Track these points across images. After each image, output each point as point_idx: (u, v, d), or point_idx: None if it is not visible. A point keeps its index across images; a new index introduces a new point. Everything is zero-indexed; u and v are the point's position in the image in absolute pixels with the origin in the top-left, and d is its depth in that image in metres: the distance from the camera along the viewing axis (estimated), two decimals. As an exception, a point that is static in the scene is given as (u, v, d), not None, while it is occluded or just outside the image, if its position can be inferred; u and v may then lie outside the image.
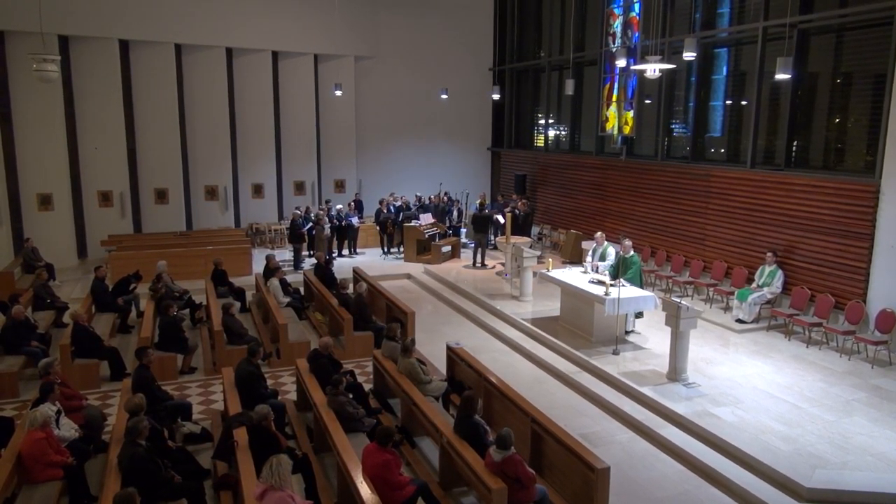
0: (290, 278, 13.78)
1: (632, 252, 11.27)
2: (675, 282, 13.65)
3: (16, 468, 6.26)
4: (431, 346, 10.90)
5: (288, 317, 11.25)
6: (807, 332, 10.90)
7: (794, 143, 12.27)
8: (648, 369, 9.63)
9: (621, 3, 16.32)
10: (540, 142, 20.75)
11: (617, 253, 11.64)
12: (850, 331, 10.25)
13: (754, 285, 11.86)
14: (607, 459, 6.19)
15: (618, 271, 11.05)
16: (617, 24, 16.48)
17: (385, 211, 17.99)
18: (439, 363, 9.91)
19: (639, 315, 11.16)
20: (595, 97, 17.33)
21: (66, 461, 6.47)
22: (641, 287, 10.96)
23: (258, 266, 15.36)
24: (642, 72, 11.60)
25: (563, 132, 19.77)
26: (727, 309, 12.32)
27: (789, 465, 7.03)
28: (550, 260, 12.68)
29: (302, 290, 13.75)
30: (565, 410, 8.74)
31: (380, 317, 11.91)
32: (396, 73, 21.00)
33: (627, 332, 11.02)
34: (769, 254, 11.80)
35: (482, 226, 16.31)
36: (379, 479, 5.87)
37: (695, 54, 11.25)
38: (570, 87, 15.00)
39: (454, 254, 17.52)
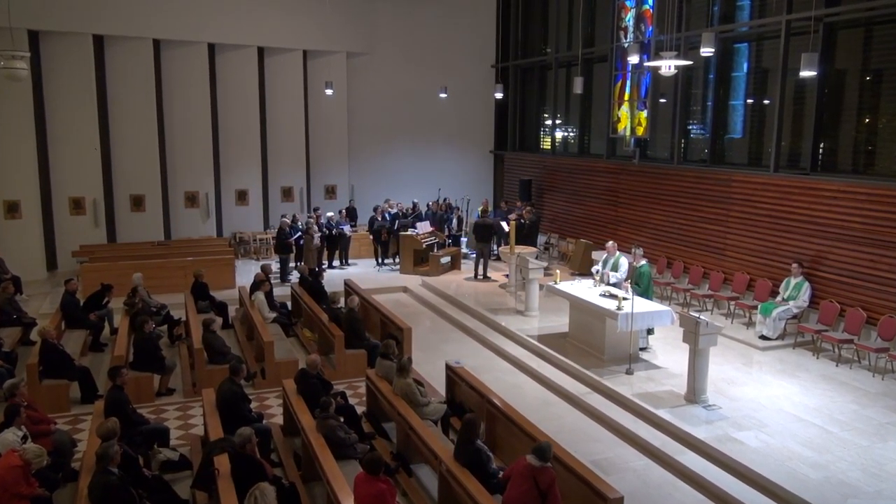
0: (276, 291, 13.77)
1: (643, 262, 11.29)
2: (693, 295, 13.64)
3: (-22, 498, 6.23)
4: (430, 366, 10.88)
5: (274, 333, 11.23)
6: (836, 350, 10.88)
7: (821, 146, 12.31)
8: (665, 390, 9.61)
9: (634, -4, 16.43)
10: (546, 144, 20.80)
11: (630, 264, 11.64)
12: (883, 348, 10.23)
13: (779, 299, 11.85)
14: (621, 488, 6.17)
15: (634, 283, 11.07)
16: (629, 18, 16.57)
17: (380, 219, 18.01)
18: (438, 384, 9.89)
19: (650, 331, 11.15)
20: (606, 96, 17.40)
21: (36, 492, 6.42)
22: (650, 299, 10.96)
23: (242, 278, 15.39)
24: (656, 69, 11.66)
25: (571, 134, 19.83)
26: (750, 324, 12.31)
27: (819, 494, 6.99)
28: (558, 271, 12.67)
29: (289, 304, 13.73)
30: (575, 435, 8.71)
31: (374, 333, 11.89)
32: (392, 70, 21.08)
33: (641, 349, 11.00)
34: (795, 265, 11.80)
35: (484, 235, 16.32)
36: (372, 511, 5.84)
37: (713, 50, 11.29)
38: (578, 86, 15.05)
39: (454, 265, 17.52)
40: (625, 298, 10.23)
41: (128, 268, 14.20)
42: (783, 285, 11.95)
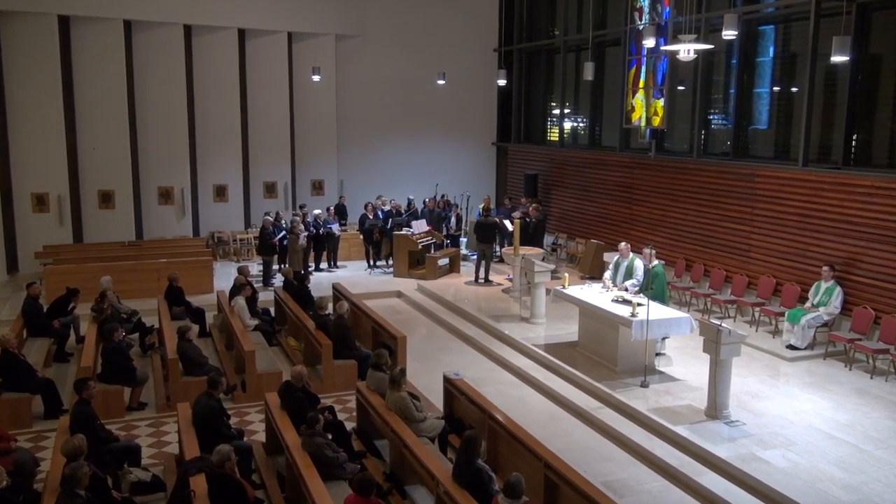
0: (259, 296, 13.75)
1: (655, 262, 11.31)
2: (714, 300, 13.66)
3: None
4: (426, 377, 10.89)
5: (256, 342, 11.23)
6: (871, 361, 10.89)
7: (854, 138, 12.33)
8: (683, 405, 9.62)
9: (649, -26, 16.46)
10: (554, 136, 20.82)
11: (646, 266, 11.66)
12: (921, 359, 10.26)
13: (808, 305, 11.86)
14: (635, 512, 6.18)
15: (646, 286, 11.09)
16: (644, -2, 16.61)
17: (371, 217, 18.02)
18: (435, 397, 9.89)
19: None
20: (619, 83, 17.42)
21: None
22: (665, 303, 10.96)
23: (220, 282, 15.38)
24: (674, 53, 11.67)
25: (581, 124, 19.85)
26: (776, 333, 12.33)
27: (852, 518, 7.02)
28: (567, 275, 12.69)
29: (273, 310, 13.74)
30: (585, 453, 8.72)
31: (365, 342, 11.91)
32: (385, 55, 21.08)
33: (657, 355, 11.02)
34: (826, 268, 11.81)
35: (486, 235, 16.34)
36: (363, 536, 5.84)
37: (736, 33, 11.31)
38: (589, 72, 15.07)
39: (453, 268, 17.53)
40: (640, 304, 10.24)
41: (95, 270, 14.19)
42: (813, 290, 11.95)
